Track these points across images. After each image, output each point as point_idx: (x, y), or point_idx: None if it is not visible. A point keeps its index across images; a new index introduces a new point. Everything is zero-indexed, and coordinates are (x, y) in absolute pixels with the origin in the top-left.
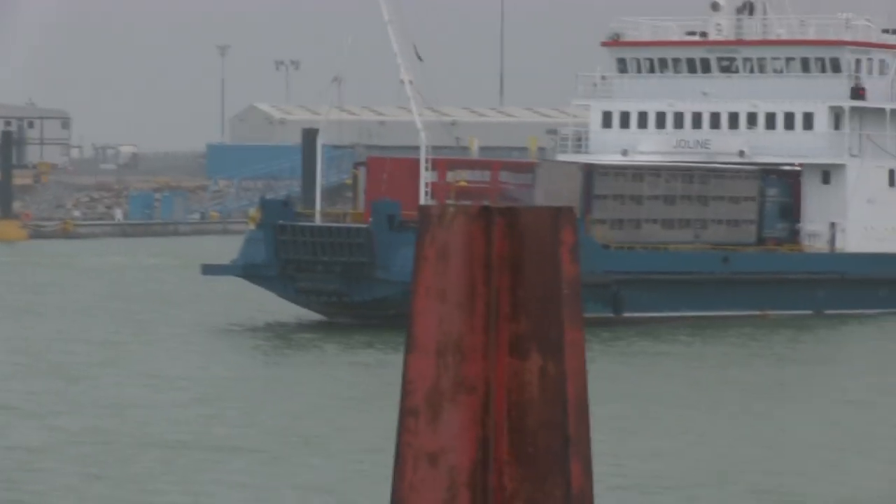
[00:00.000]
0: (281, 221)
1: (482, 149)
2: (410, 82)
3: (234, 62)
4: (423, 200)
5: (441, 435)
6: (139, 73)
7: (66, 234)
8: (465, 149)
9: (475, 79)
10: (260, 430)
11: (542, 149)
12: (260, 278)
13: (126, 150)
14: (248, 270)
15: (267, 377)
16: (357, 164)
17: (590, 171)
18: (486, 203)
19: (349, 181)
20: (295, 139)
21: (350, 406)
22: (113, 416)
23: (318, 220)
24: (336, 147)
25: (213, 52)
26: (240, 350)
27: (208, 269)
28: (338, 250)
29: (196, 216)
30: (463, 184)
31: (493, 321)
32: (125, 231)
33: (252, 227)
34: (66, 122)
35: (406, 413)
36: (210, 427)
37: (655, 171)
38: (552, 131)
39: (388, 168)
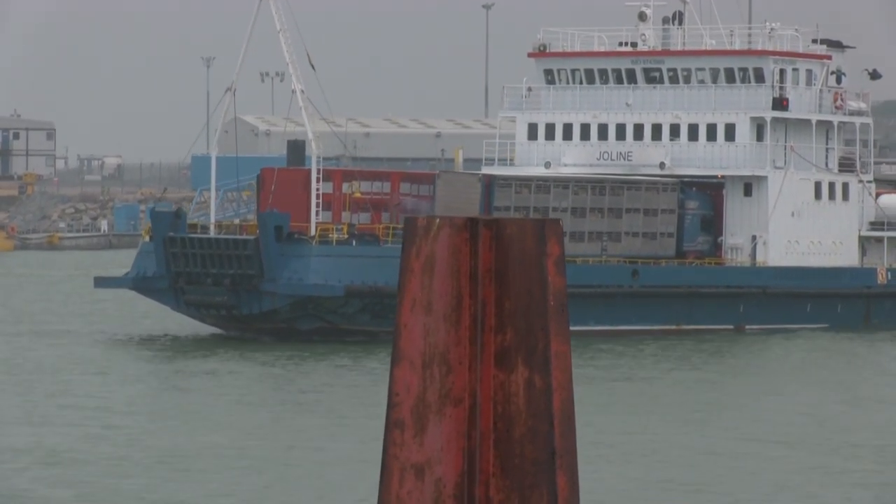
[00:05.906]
0: (171, 234)
1: (467, 160)
2: (302, 91)
3: (219, 74)
4: (314, 212)
5: (427, 447)
6: (124, 83)
7: (52, 246)
8: (450, 160)
9: (460, 91)
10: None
11: None
12: (151, 291)
13: (111, 161)
14: (139, 283)
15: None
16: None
17: (490, 182)
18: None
19: (246, 192)
20: (280, 150)
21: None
22: None
23: (211, 232)
24: (322, 159)
25: (199, 64)
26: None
27: (100, 282)
28: (226, 262)
29: None
30: (358, 195)
31: (478, 333)
32: (111, 242)
33: (146, 239)
34: (51, 134)
35: (392, 425)
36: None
37: (563, 182)
38: None
39: (279, 179)
